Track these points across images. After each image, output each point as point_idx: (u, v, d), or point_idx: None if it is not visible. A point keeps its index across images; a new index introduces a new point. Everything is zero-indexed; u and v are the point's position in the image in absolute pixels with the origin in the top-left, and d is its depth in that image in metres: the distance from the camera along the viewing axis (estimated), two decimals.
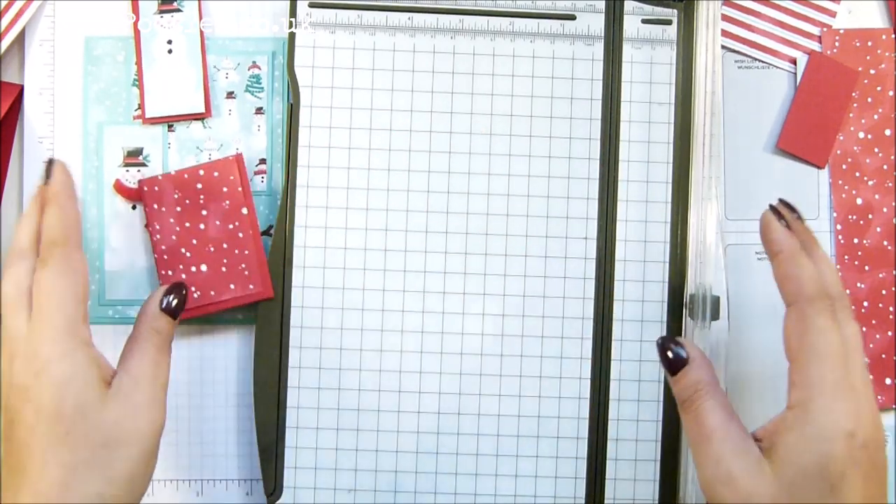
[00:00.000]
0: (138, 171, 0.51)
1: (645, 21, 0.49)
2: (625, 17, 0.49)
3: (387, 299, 0.49)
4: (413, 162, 0.49)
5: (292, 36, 0.49)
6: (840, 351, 0.39)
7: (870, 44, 0.53)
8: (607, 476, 0.49)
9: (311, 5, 0.49)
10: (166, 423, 0.50)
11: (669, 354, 0.42)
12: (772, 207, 0.43)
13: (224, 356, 0.51)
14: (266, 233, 0.50)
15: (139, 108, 0.51)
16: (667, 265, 0.49)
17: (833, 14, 0.53)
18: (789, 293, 0.41)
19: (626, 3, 0.49)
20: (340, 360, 0.49)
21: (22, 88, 0.51)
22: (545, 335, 0.49)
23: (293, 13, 0.49)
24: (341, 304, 0.49)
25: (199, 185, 0.49)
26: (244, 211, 0.49)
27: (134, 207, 0.50)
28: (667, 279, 0.49)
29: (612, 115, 0.49)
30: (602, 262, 0.49)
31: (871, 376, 0.41)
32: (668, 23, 0.49)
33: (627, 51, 0.49)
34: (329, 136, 0.49)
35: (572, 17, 0.49)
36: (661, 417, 0.49)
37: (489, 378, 0.49)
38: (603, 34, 0.49)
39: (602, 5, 0.49)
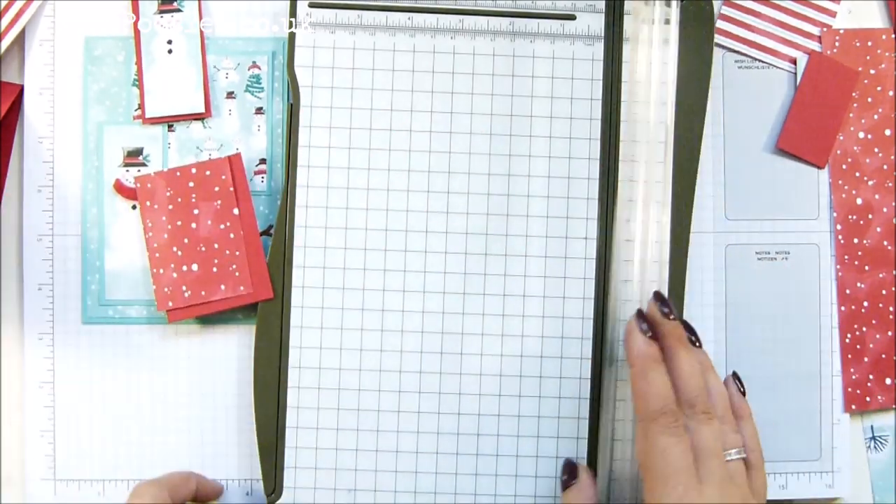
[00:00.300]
0: (138, 171, 0.51)
1: (643, 21, 0.49)
2: (625, 17, 0.49)
3: (387, 299, 0.49)
4: (413, 162, 0.49)
5: (292, 36, 0.49)
6: (683, 465, 0.41)
7: (870, 44, 0.53)
8: (606, 456, 0.48)
9: (311, 5, 0.49)
10: (165, 423, 0.50)
11: (564, 476, 0.47)
12: (639, 312, 0.45)
13: (224, 356, 0.51)
14: (266, 233, 0.50)
15: (139, 108, 0.51)
16: (667, 265, 0.49)
17: (833, 14, 0.53)
18: (637, 410, 0.44)
19: (626, 3, 0.49)
20: (340, 359, 0.49)
21: (22, 88, 0.51)
22: (545, 335, 0.49)
23: (293, 13, 0.49)
24: (341, 304, 0.49)
25: (191, 184, 0.49)
26: (235, 212, 0.49)
27: (134, 207, 0.50)
28: (666, 279, 0.49)
29: (611, 115, 0.49)
30: (602, 262, 0.49)
31: (745, 467, 0.44)
32: (667, 23, 0.49)
33: (627, 51, 0.49)
34: (329, 136, 0.49)
35: (572, 17, 0.49)
36: None
37: (489, 378, 0.49)
38: (603, 34, 0.49)
39: (602, 5, 0.49)
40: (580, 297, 0.49)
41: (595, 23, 0.49)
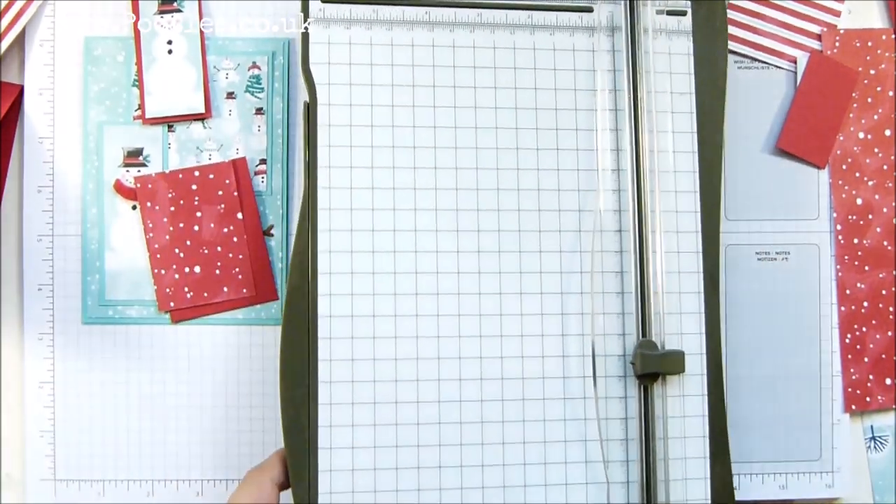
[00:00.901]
0: (138, 171, 0.51)
1: (659, 12, 0.49)
2: (641, 8, 0.48)
3: (420, 303, 0.46)
4: (439, 159, 0.47)
5: (306, 33, 0.47)
6: None
7: (870, 44, 0.53)
8: (658, 478, 0.46)
9: (325, 0, 0.47)
10: (165, 423, 0.50)
11: None
12: None
13: (224, 356, 0.51)
14: (266, 233, 0.50)
15: (139, 108, 0.51)
16: (700, 255, 0.48)
17: (837, 14, 0.53)
18: None
19: None
20: (374, 371, 0.45)
21: (22, 88, 0.51)
22: (584, 333, 0.47)
23: (305, 9, 0.47)
24: (372, 312, 0.46)
25: (194, 187, 0.49)
26: (239, 216, 0.49)
27: (134, 207, 0.50)
28: (701, 269, 0.48)
29: (635, 105, 0.48)
30: (636, 255, 0.48)
31: None
32: (683, 14, 0.49)
33: (646, 42, 0.48)
34: (350, 135, 0.47)
35: (589, 10, 0.48)
36: (706, 412, 0.47)
37: (531, 381, 0.47)
38: (621, 25, 0.49)
39: None
40: (618, 292, 0.48)
41: (612, 14, 0.49)
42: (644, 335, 0.47)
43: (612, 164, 0.48)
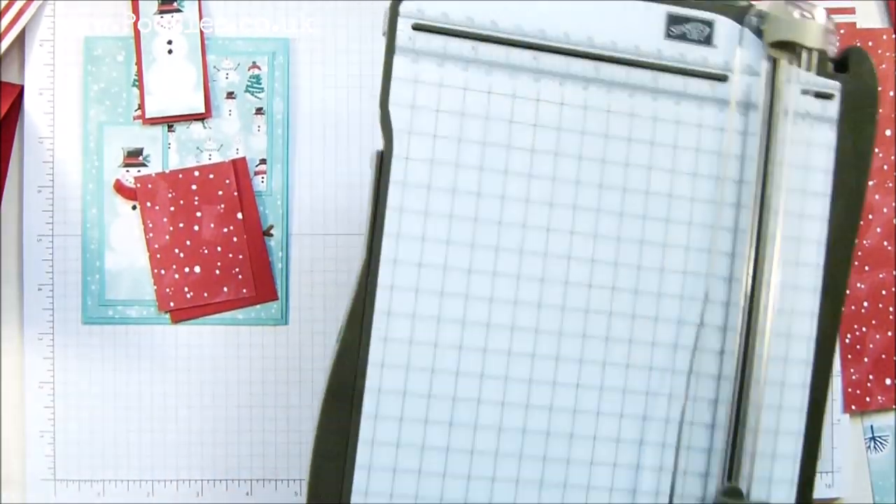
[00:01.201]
0: (138, 171, 0.51)
1: (805, 92, 0.41)
2: (784, 85, 0.40)
3: (484, 388, 0.39)
4: (527, 241, 0.40)
5: (389, 61, 0.39)
6: None
7: (870, 44, 0.53)
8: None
9: (416, 28, 0.39)
10: (165, 424, 0.50)
11: None
12: None
13: (224, 357, 0.51)
14: (266, 233, 0.50)
15: (139, 108, 0.51)
16: (806, 389, 0.41)
17: (852, 11, 0.53)
18: None
19: (785, 70, 0.40)
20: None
21: (22, 88, 0.51)
22: (663, 467, 0.40)
23: (392, 29, 0.38)
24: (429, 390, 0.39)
25: (194, 187, 0.49)
26: (239, 216, 0.49)
27: (134, 207, 0.50)
28: (806, 405, 0.41)
29: (763, 202, 0.40)
30: (735, 383, 0.40)
31: None
32: (829, 97, 0.41)
33: (784, 126, 0.40)
34: (427, 200, 0.39)
35: (723, 78, 0.41)
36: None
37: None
38: (757, 103, 0.41)
39: (759, 66, 0.41)
40: (708, 424, 0.41)
41: (750, 88, 0.41)
42: (730, 479, 0.40)
43: (726, 271, 0.41)
